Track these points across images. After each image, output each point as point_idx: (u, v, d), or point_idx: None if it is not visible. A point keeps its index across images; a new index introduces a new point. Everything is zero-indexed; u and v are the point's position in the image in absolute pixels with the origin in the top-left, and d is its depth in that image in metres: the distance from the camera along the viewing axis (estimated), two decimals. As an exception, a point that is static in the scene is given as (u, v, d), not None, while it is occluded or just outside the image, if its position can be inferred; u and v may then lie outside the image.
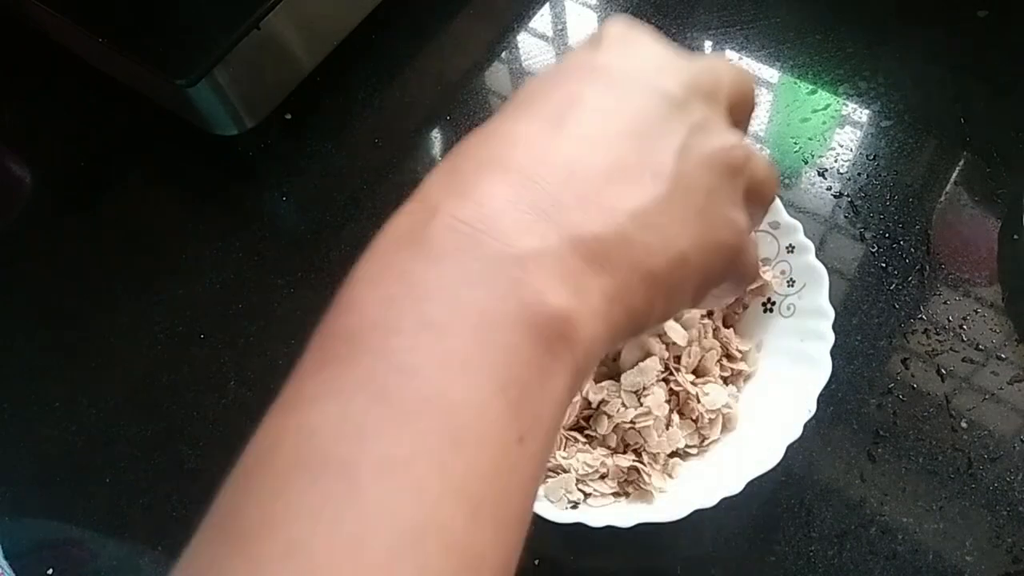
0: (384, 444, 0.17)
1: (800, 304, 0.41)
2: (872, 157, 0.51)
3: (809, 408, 0.37)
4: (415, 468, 0.17)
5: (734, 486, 0.36)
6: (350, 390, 0.18)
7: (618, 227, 0.21)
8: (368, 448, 0.17)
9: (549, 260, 0.20)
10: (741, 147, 0.24)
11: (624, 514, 0.36)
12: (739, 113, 0.26)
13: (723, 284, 0.25)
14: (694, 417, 0.40)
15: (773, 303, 0.42)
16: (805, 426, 0.37)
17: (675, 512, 0.36)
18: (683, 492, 0.37)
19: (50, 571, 0.43)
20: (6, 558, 0.43)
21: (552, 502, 0.38)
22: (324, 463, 0.17)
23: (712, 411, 0.39)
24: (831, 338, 0.38)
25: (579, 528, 0.36)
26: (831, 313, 0.39)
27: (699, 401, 0.39)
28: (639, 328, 0.23)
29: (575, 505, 0.38)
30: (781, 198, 0.42)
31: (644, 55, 0.24)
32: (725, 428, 0.40)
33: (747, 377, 0.41)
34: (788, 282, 0.41)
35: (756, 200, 0.25)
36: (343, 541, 0.16)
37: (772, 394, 0.39)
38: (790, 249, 0.41)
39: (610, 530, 0.36)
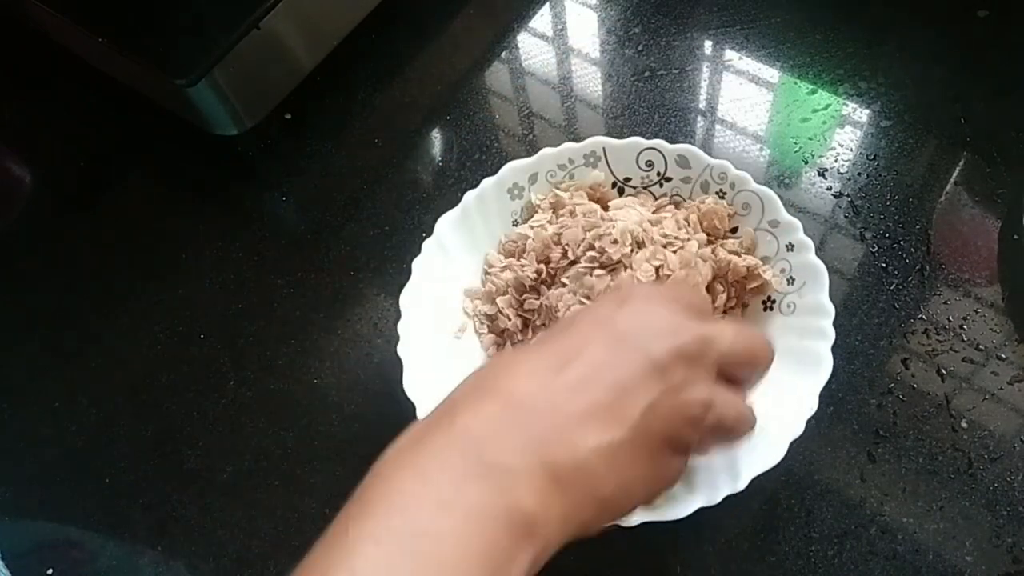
0: None
1: (800, 302, 0.41)
2: (872, 157, 0.51)
3: (811, 405, 0.37)
4: None
5: (738, 484, 0.36)
6: (383, 539, 0.25)
7: (580, 460, 0.27)
8: None
9: (524, 476, 0.26)
10: (704, 404, 0.30)
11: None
12: (741, 369, 0.32)
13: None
14: None
15: (773, 301, 0.42)
16: (806, 426, 0.37)
17: (679, 511, 0.36)
18: (686, 491, 0.37)
19: (50, 571, 0.43)
20: (5, 558, 0.43)
21: None
22: None
23: None
24: (832, 335, 0.38)
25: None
26: (831, 310, 0.39)
27: None
28: (588, 533, 0.29)
29: None
30: (781, 198, 0.42)
31: (650, 320, 0.30)
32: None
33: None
34: (788, 280, 0.41)
35: (723, 440, 0.32)
36: None
37: (774, 392, 0.39)
38: (790, 247, 0.41)
39: (610, 530, 0.36)
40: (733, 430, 0.32)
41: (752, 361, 0.32)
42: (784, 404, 0.38)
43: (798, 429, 0.37)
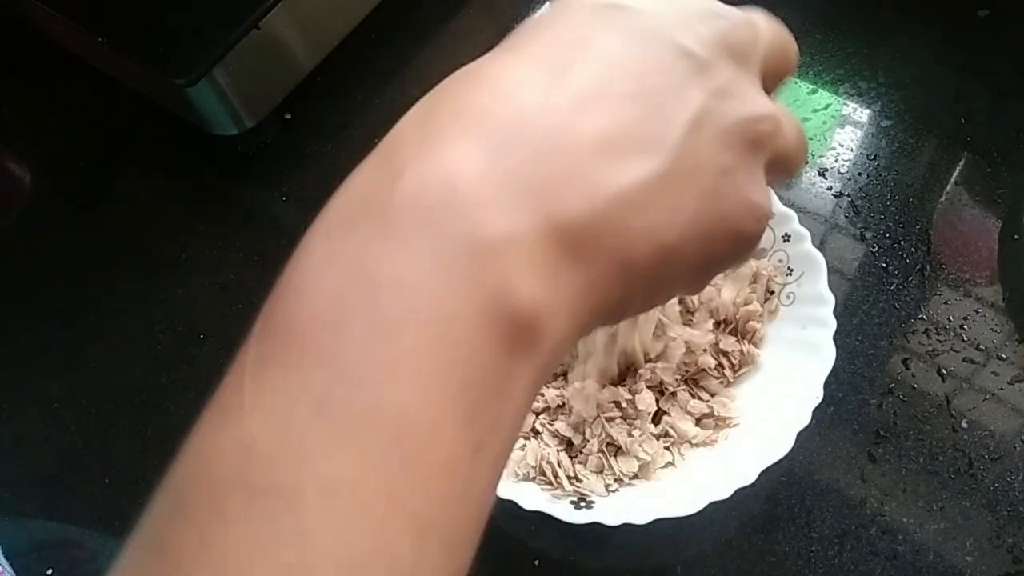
0: (328, 464, 0.16)
1: (799, 292, 0.41)
2: (872, 157, 0.51)
3: (816, 395, 0.37)
4: (361, 490, 0.16)
5: (748, 476, 0.36)
6: (291, 400, 0.16)
7: (602, 211, 0.18)
8: (310, 468, 0.16)
9: (521, 248, 0.17)
10: (770, 118, 0.21)
11: (639, 511, 0.36)
12: (773, 79, 0.23)
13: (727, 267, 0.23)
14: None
15: (772, 292, 0.42)
16: (807, 426, 0.37)
17: (690, 506, 0.36)
18: (696, 485, 0.37)
19: (49, 571, 0.43)
20: (6, 558, 0.43)
21: (556, 500, 0.38)
22: (263, 484, 0.16)
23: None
24: (833, 324, 0.39)
25: (578, 528, 0.36)
26: (831, 299, 0.39)
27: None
28: (611, 322, 0.21)
29: (582, 499, 0.38)
30: (781, 198, 0.42)
31: (674, 2, 0.21)
32: (721, 426, 0.40)
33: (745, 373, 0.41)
34: (787, 271, 0.41)
35: (779, 173, 0.22)
36: (285, 569, 0.15)
37: (778, 383, 0.39)
38: (786, 238, 0.42)
39: (610, 530, 0.36)
40: (796, 158, 0.22)
41: (791, 61, 0.24)
42: (789, 395, 0.38)
43: (805, 419, 0.37)
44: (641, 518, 0.36)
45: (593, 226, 0.18)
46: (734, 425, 0.40)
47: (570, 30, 0.20)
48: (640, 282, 0.19)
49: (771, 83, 0.23)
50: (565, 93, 0.19)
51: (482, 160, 0.18)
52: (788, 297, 0.41)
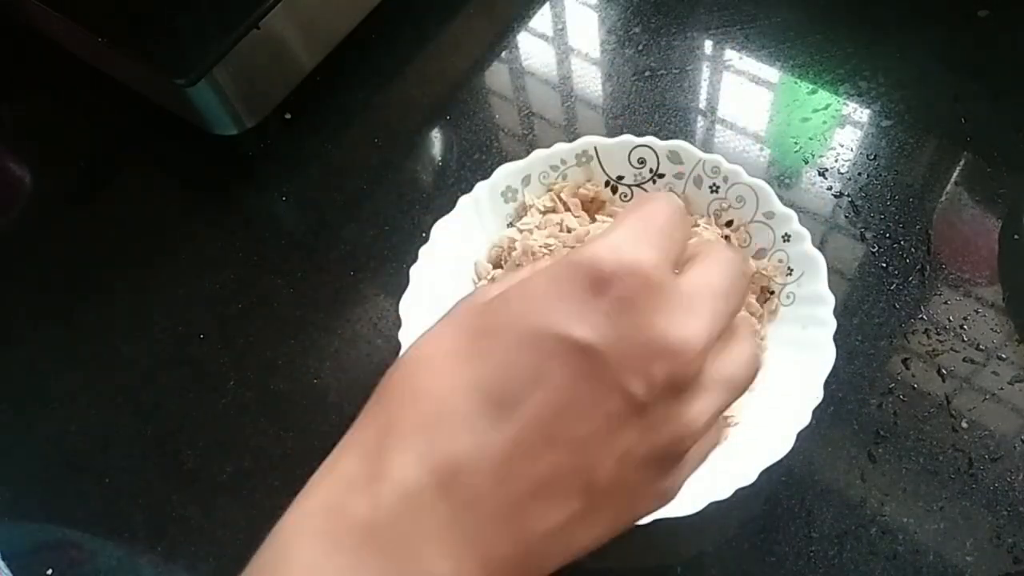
0: None
1: (799, 292, 0.41)
2: (873, 157, 0.51)
3: (816, 395, 0.37)
4: None
5: (748, 476, 0.36)
6: None
7: (529, 550, 0.20)
8: None
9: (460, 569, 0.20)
10: (692, 435, 0.22)
11: None
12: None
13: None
14: None
15: (772, 292, 0.42)
16: (807, 426, 0.37)
17: (690, 507, 0.35)
18: (696, 486, 0.37)
19: (49, 572, 0.43)
20: (5, 559, 0.43)
21: None
22: None
23: None
24: (833, 323, 0.39)
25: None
26: (831, 299, 0.39)
27: None
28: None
29: None
30: (781, 198, 0.42)
31: (639, 326, 0.20)
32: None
33: None
34: (787, 271, 0.41)
35: (730, 395, 0.23)
36: None
37: (778, 383, 0.39)
38: (786, 238, 0.42)
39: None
40: (736, 389, 0.23)
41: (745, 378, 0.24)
42: (789, 395, 0.38)
43: (805, 419, 0.37)
44: (643, 519, 0.36)
45: (520, 559, 0.20)
46: (734, 425, 0.40)
47: (522, 356, 0.20)
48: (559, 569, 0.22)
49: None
50: (506, 439, 0.20)
51: (430, 498, 0.20)
52: (788, 297, 0.41)
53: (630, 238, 0.21)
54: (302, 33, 0.53)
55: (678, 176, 0.44)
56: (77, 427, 0.48)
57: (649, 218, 0.21)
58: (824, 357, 0.38)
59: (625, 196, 0.45)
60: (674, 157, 0.44)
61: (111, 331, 0.51)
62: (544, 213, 0.45)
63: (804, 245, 0.41)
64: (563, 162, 0.45)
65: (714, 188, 0.44)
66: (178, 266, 0.53)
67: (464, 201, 0.44)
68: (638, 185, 0.45)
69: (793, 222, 0.42)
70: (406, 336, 0.41)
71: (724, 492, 0.36)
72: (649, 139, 0.44)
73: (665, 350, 0.20)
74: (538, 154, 0.45)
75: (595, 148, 0.45)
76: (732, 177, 0.43)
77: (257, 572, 0.21)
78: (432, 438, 0.20)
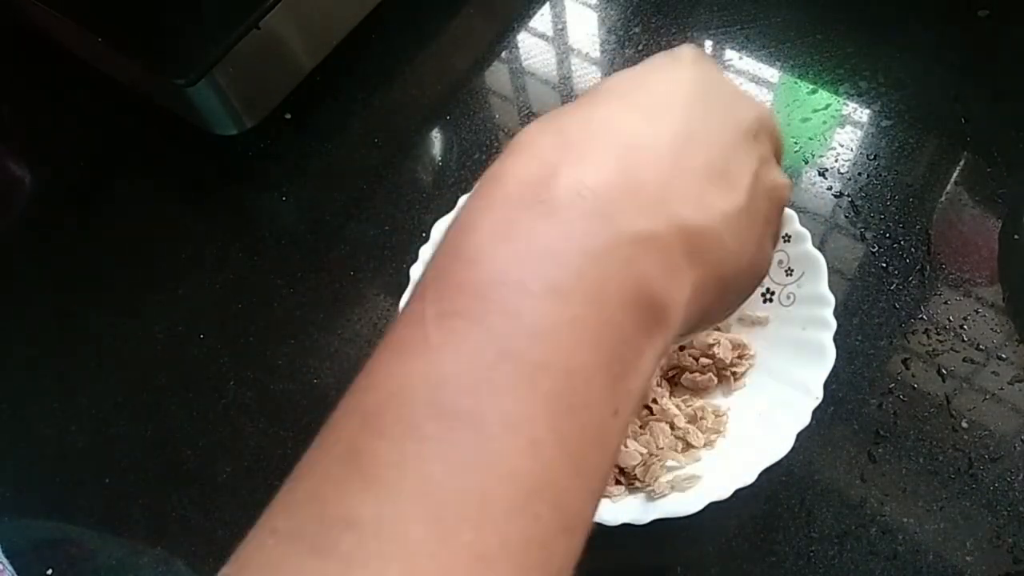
0: (510, 402, 0.18)
1: (800, 292, 0.41)
2: (873, 157, 0.51)
3: (816, 395, 0.37)
4: (535, 428, 0.18)
5: (747, 477, 0.36)
6: (480, 345, 0.19)
7: (713, 224, 0.22)
8: (496, 404, 0.18)
9: (658, 246, 0.21)
10: (789, 188, 0.27)
11: (640, 511, 0.36)
12: (777, 157, 0.28)
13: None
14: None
15: (772, 292, 0.42)
16: (807, 426, 0.37)
17: (690, 506, 0.36)
18: (696, 486, 0.37)
19: (49, 571, 0.43)
20: (6, 557, 0.43)
21: None
22: (457, 414, 0.18)
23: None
24: (833, 324, 0.39)
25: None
26: (831, 300, 0.39)
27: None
28: (700, 327, 0.25)
29: None
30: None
31: (721, 82, 0.26)
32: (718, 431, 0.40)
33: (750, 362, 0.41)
34: (787, 271, 0.41)
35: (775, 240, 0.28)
36: (472, 488, 0.18)
37: (778, 383, 0.39)
38: (786, 238, 0.42)
39: (610, 529, 0.36)
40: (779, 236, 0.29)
41: (782, 147, 0.29)
42: (789, 395, 0.38)
43: (805, 420, 0.37)
44: (641, 519, 0.36)
45: (705, 236, 0.22)
46: (733, 426, 0.40)
47: (654, 85, 0.24)
48: (725, 293, 0.24)
49: (776, 160, 0.28)
50: (669, 131, 0.23)
51: (622, 172, 0.21)
52: (788, 298, 0.41)
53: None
54: (302, 33, 0.53)
55: None
56: (77, 427, 0.48)
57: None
58: (825, 358, 0.38)
59: None
60: None
61: (111, 331, 0.51)
62: None
63: (805, 245, 0.41)
64: None
65: None
66: (178, 266, 0.53)
67: (464, 200, 0.44)
68: None
69: (794, 223, 0.41)
70: None
71: (724, 492, 0.36)
72: None
73: (750, 98, 0.26)
74: None
75: None
76: None
77: (445, 243, 0.21)
78: (611, 135, 0.23)
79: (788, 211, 0.42)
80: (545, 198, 0.21)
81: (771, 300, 0.42)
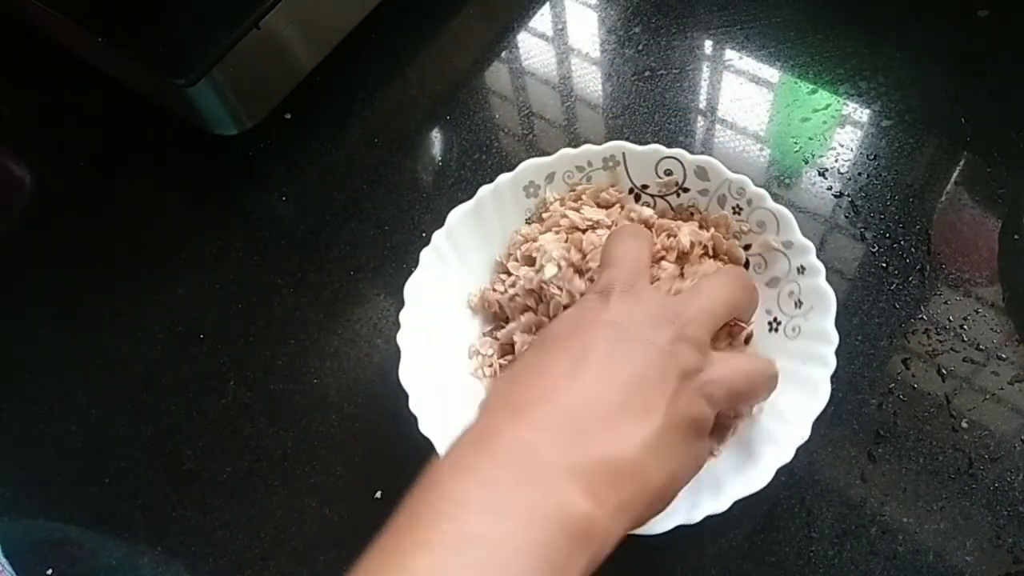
0: None
1: (805, 326, 0.40)
2: (872, 157, 0.51)
3: (803, 434, 0.37)
4: None
5: (719, 505, 0.35)
6: (435, 546, 0.25)
7: (633, 453, 0.28)
8: None
9: (581, 477, 0.27)
10: (723, 380, 0.31)
11: None
12: (744, 315, 0.35)
13: None
14: None
15: (779, 323, 0.41)
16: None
17: (658, 527, 0.35)
18: (671, 507, 0.37)
19: (49, 571, 0.43)
20: (6, 557, 0.43)
21: None
22: None
23: None
24: (833, 363, 0.38)
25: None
26: (835, 339, 0.38)
27: None
28: (638, 526, 0.29)
29: None
30: (781, 198, 0.42)
31: (641, 312, 0.32)
32: None
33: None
34: (796, 303, 0.41)
35: (744, 399, 0.35)
36: None
37: (767, 416, 0.39)
38: (800, 270, 0.41)
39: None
40: (751, 391, 0.34)
41: (750, 305, 0.35)
42: (776, 429, 0.38)
43: (787, 456, 0.36)
44: None
45: (625, 463, 0.28)
46: (717, 455, 0.39)
47: (574, 340, 0.31)
48: (658, 498, 0.29)
49: (743, 318, 0.36)
50: (588, 382, 0.29)
51: (550, 422, 0.28)
52: (794, 330, 0.40)
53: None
54: (302, 33, 0.53)
55: (703, 192, 0.43)
56: (77, 427, 0.48)
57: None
58: (819, 397, 0.37)
59: (648, 205, 0.45)
60: (701, 173, 0.43)
61: (111, 331, 0.51)
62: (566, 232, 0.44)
63: (818, 280, 0.40)
64: (589, 164, 0.45)
65: (737, 209, 0.42)
66: (178, 266, 0.53)
67: (485, 191, 0.44)
68: (661, 196, 0.44)
69: (810, 254, 0.40)
70: (407, 317, 0.41)
71: (694, 517, 0.35)
72: (678, 151, 0.43)
73: (673, 309, 0.32)
74: (565, 153, 0.44)
75: (623, 154, 0.44)
76: (756, 201, 0.42)
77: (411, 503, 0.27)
78: (543, 393, 0.30)
79: (806, 242, 0.40)
80: (491, 445, 0.28)
81: (776, 330, 0.41)
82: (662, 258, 0.41)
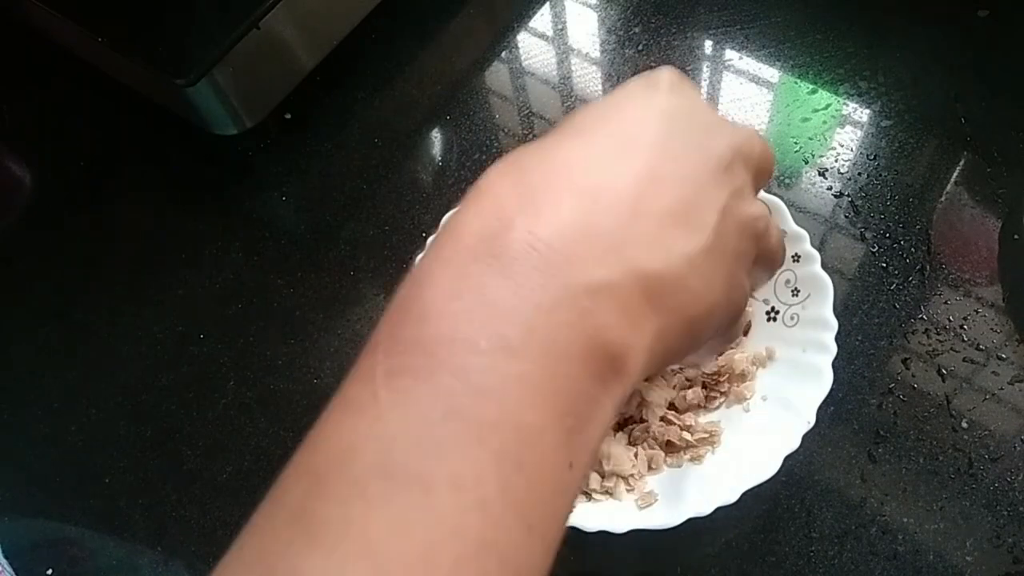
0: (458, 461, 0.19)
1: (804, 314, 0.40)
2: (872, 157, 0.51)
3: (809, 420, 0.37)
4: (484, 486, 0.18)
5: (730, 496, 0.36)
6: (428, 404, 0.19)
7: (675, 268, 0.22)
8: (444, 464, 0.18)
9: (615, 294, 0.21)
10: (765, 218, 0.26)
11: (619, 519, 0.36)
12: (759, 181, 0.28)
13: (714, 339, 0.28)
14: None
15: (777, 312, 0.41)
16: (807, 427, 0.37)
17: (669, 519, 0.35)
18: (678, 499, 0.37)
19: (49, 571, 0.43)
20: (6, 557, 0.43)
21: None
22: (403, 474, 0.18)
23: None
24: (834, 349, 0.38)
25: (575, 529, 0.36)
26: (834, 324, 0.38)
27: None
28: (668, 365, 0.25)
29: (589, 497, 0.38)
30: (781, 197, 0.42)
31: (697, 111, 0.25)
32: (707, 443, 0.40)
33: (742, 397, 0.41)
34: (793, 292, 0.41)
35: (764, 266, 0.28)
36: (416, 549, 0.18)
37: (772, 404, 0.39)
38: (796, 258, 0.41)
39: (606, 532, 0.36)
40: (775, 256, 0.29)
41: (772, 170, 0.29)
42: (781, 417, 0.38)
43: (794, 444, 0.36)
44: (619, 527, 0.36)
45: (666, 281, 0.22)
46: (720, 443, 0.39)
47: (621, 122, 0.24)
48: (693, 332, 0.24)
49: (758, 184, 0.28)
50: (632, 171, 0.23)
51: (579, 219, 0.21)
52: (792, 318, 0.41)
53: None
54: (302, 33, 0.53)
55: None
56: (77, 427, 0.48)
57: None
58: (822, 383, 0.37)
59: None
60: None
61: (111, 331, 0.51)
62: None
63: (814, 267, 0.40)
64: None
65: None
66: (178, 266, 0.53)
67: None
68: None
69: (805, 242, 0.41)
70: None
71: (705, 509, 0.36)
72: None
73: (729, 124, 0.26)
74: None
75: None
76: None
77: (399, 300, 0.21)
78: (572, 178, 0.23)
79: (800, 230, 0.41)
80: (498, 253, 0.21)
81: (775, 319, 0.41)
82: None
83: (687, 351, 0.25)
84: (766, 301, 0.42)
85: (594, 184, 0.22)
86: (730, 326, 0.27)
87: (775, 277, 0.41)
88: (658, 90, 0.25)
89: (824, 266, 0.40)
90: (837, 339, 0.39)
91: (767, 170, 0.28)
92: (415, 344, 0.20)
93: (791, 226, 0.41)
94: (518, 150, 0.24)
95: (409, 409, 0.19)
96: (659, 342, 0.22)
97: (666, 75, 0.26)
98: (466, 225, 0.22)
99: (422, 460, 0.18)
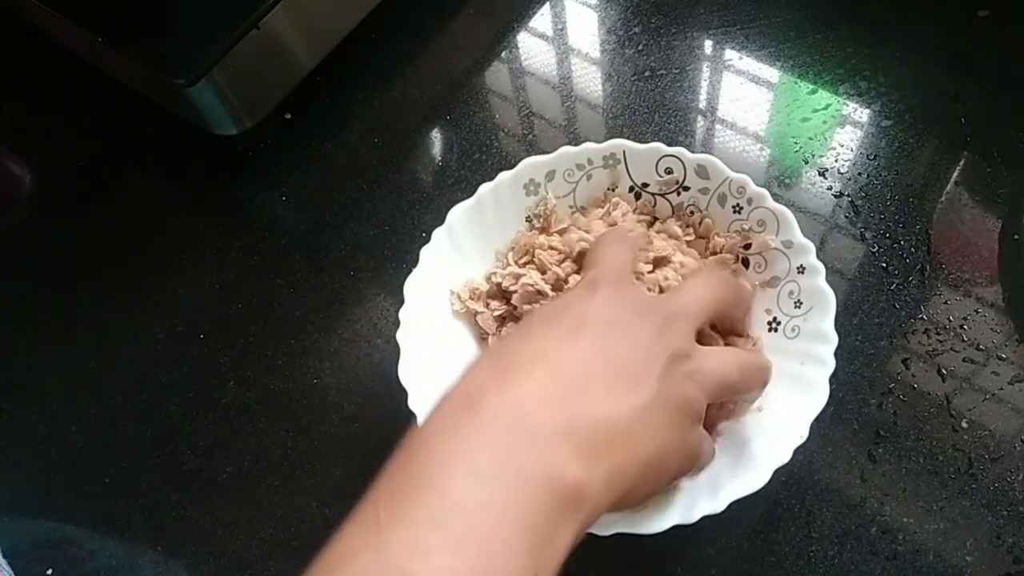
0: (439, 560, 0.23)
1: (805, 327, 0.40)
2: (872, 157, 0.51)
3: (801, 434, 0.36)
4: None
5: (716, 505, 0.35)
6: (416, 520, 0.24)
7: (622, 418, 0.28)
8: (428, 562, 0.23)
9: (571, 440, 0.26)
10: (714, 371, 0.31)
11: (602, 522, 0.36)
12: (730, 320, 0.36)
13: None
14: None
15: (778, 323, 0.41)
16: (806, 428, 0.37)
17: (654, 526, 0.35)
18: (665, 505, 0.37)
19: (49, 571, 0.43)
20: (6, 557, 0.43)
21: None
22: (394, 570, 0.23)
23: None
24: (832, 364, 0.37)
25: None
26: (834, 339, 0.38)
27: None
28: (628, 504, 0.29)
29: None
30: (781, 198, 0.42)
31: (630, 296, 0.32)
32: None
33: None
34: (796, 303, 0.41)
35: (735, 393, 0.34)
36: None
37: (766, 415, 0.38)
38: (800, 270, 0.41)
39: (591, 534, 0.36)
40: (742, 382, 0.33)
41: (740, 306, 0.35)
42: (774, 429, 0.38)
43: (785, 457, 0.36)
44: (602, 530, 0.35)
45: (616, 428, 0.27)
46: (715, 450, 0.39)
47: (569, 316, 0.31)
48: (649, 471, 0.29)
49: (730, 322, 0.36)
50: (581, 349, 0.29)
51: (542, 387, 0.28)
52: (793, 330, 0.40)
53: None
54: (302, 33, 0.53)
55: (703, 191, 0.43)
56: (77, 427, 0.48)
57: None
58: (817, 397, 0.37)
59: (649, 204, 0.45)
60: (702, 171, 0.43)
61: (111, 331, 0.51)
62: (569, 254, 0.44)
63: (817, 280, 0.40)
64: (589, 162, 0.44)
65: (737, 208, 0.42)
66: (178, 266, 0.53)
67: (485, 188, 0.43)
68: (662, 195, 0.44)
69: (810, 254, 0.40)
70: (407, 314, 0.41)
71: (691, 517, 0.35)
72: (679, 150, 0.43)
73: (662, 301, 0.33)
74: (565, 151, 0.44)
75: (624, 152, 0.44)
76: (756, 200, 0.42)
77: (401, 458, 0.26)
78: (532, 357, 0.30)
79: (806, 242, 0.40)
80: (477, 409, 0.27)
81: (776, 330, 0.41)
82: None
83: (652, 485, 0.30)
84: (768, 311, 0.41)
85: (553, 361, 0.29)
86: (693, 462, 0.32)
87: (778, 288, 0.41)
88: (596, 293, 0.32)
89: (824, 266, 0.40)
90: (837, 338, 0.38)
91: (721, 309, 0.35)
92: (408, 475, 0.26)
93: (798, 237, 0.41)
94: (497, 342, 0.34)
95: (402, 525, 0.24)
96: (617, 479, 0.27)
97: (604, 278, 0.33)
98: (456, 389, 0.28)
99: (412, 560, 0.23)
